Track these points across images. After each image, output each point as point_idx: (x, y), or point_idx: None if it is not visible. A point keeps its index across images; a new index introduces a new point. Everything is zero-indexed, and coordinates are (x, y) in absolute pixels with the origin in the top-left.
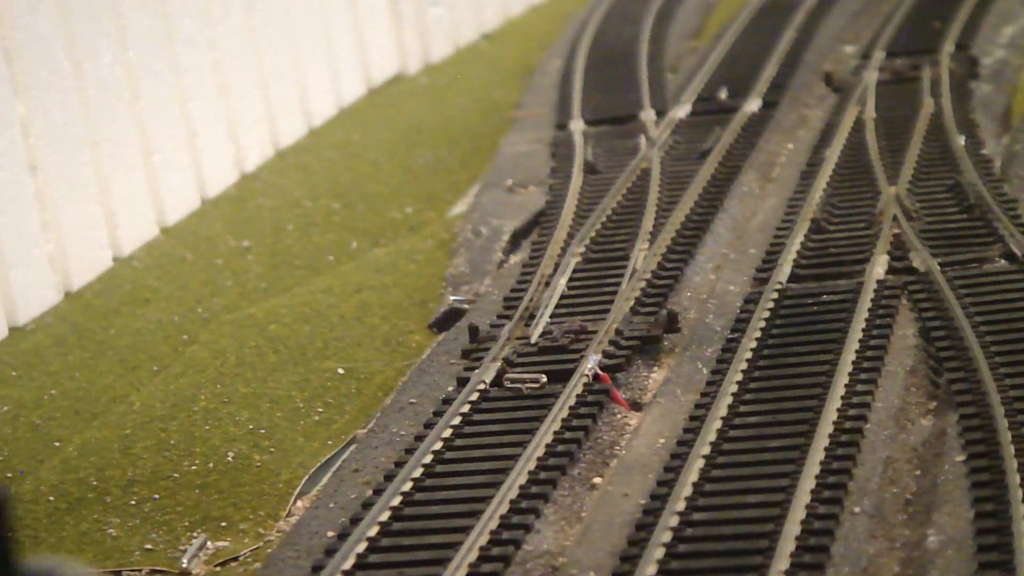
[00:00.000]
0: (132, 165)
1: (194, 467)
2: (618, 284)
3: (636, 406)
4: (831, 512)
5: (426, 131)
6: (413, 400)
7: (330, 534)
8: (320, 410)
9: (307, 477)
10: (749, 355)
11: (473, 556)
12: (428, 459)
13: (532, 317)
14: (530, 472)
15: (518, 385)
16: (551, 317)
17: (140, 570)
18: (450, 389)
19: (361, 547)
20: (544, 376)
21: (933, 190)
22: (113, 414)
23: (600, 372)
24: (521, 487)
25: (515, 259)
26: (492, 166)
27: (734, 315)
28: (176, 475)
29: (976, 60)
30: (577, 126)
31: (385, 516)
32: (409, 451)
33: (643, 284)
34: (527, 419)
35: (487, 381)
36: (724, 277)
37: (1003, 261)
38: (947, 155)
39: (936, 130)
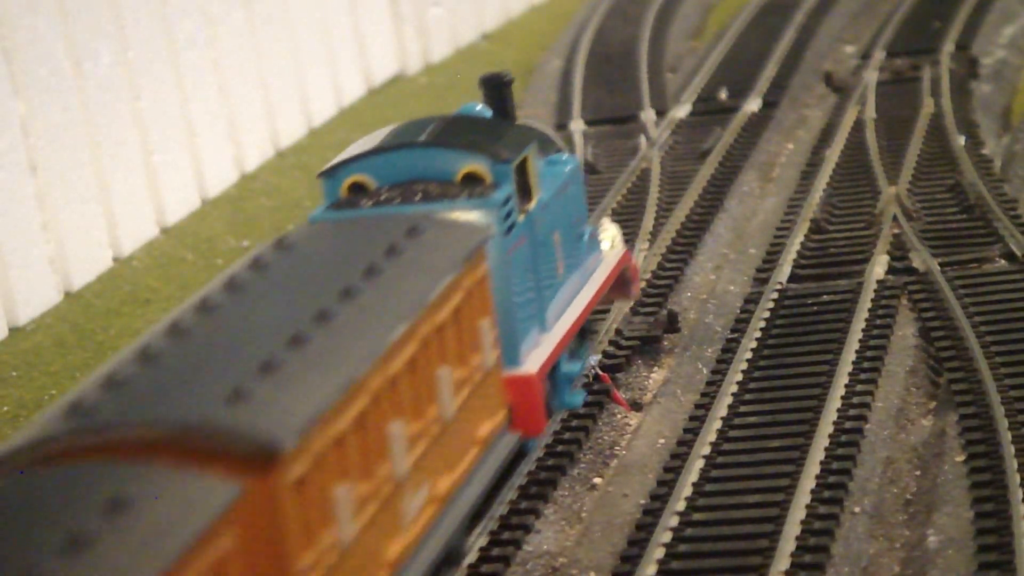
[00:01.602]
0: (132, 165)
1: None
2: None
3: (636, 406)
4: (831, 512)
5: None
6: None
7: None
8: None
9: None
10: (749, 355)
11: (473, 556)
12: None
13: None
14: (530, 472)
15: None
16: None
17: None
18: None
19: None
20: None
21: (933, 190)
22: None
23: (600, 372)
24: (521, 487)
25: None
26: None
27: (734, 315)
28: None
29: (976, 60)
30: (577, 126)
31: None
32: None
33: (643, 284)
34: None
35: None
36: (724, 277)
37: (1003, 261)
38: (947, 155)
39: (936, 130)
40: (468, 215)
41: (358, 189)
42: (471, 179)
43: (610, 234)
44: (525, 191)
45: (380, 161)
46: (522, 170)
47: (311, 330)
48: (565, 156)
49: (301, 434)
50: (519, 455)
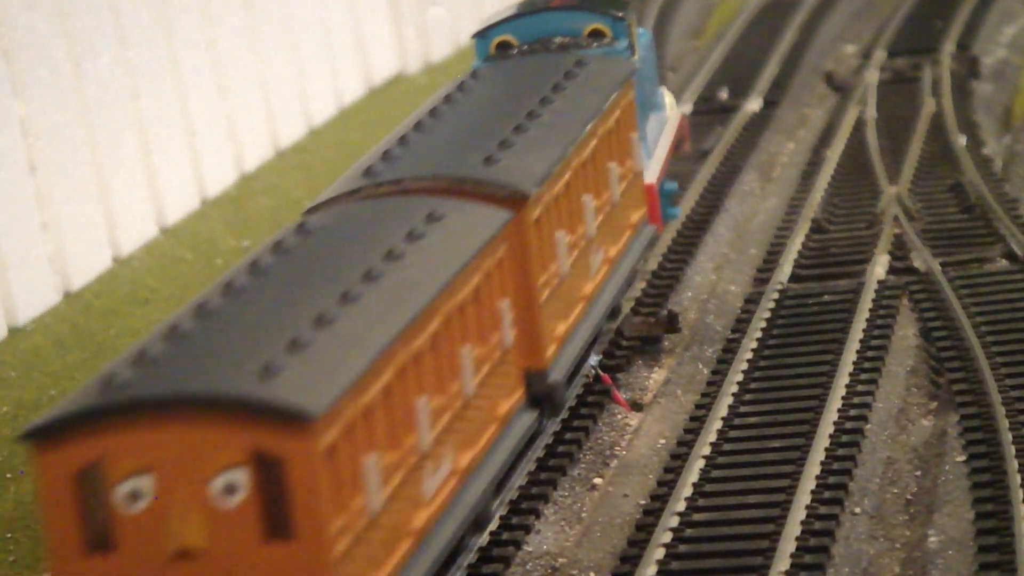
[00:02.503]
0: (132, 165)
1: None
2: None
3: (636, 406)
4: (831, 512)
5: None
6: None
7: None
8: None
9: None
10: (749, 355)
11: (473, 556)
12: None
13: None
14: (530, 472)
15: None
16: None
17: None
18: None
19: None
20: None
21: (934, 190)
22: None
23: (600, 372)
24: (521, 487)
25: None
26: None
27: (735, 315)
28: None
29: (977, 60)
30: None
31: None
32: None
33: (643, 284)
34: None
35: None
36: (725, 277)
37: (1004, 261)
38: (948, 155)
39: (937, 130)
40: (617, 55)
41: (504, 46)
42: (595, 34)
43: (668, 99)
44: (631, 46)
45: (521, 23)
46: (630, 29)
47: (525, 123)
48: (641, 29)
49: (538, 186)
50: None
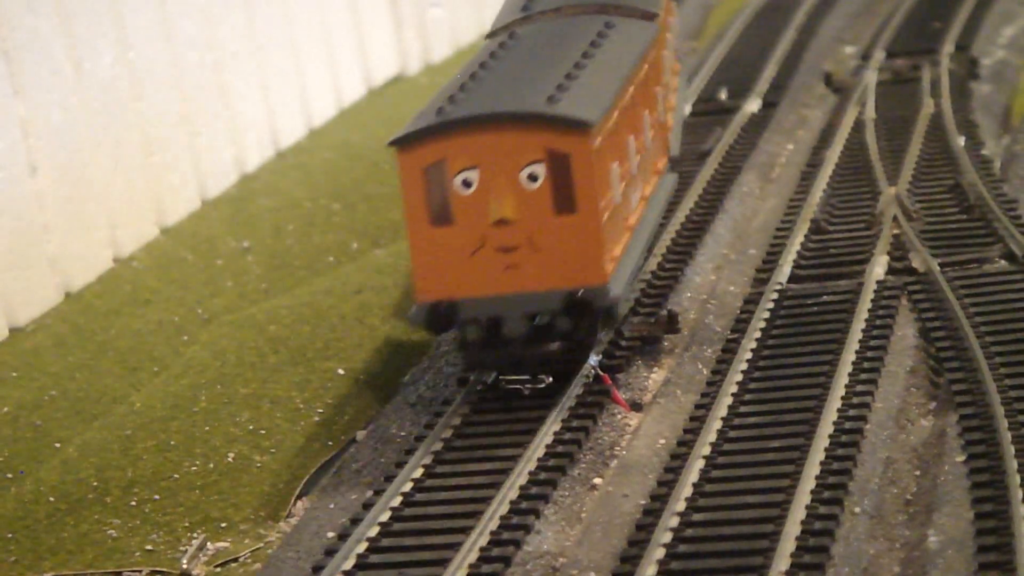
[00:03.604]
0: (132, 165)
1: (194, 468)
2: None
3: (636, 406)
4: (831, 512)
5: None
6: (413, 401)
7: (330, 535)
8: (320, 411)
9: (308, 478)
10: (749, 355)
11: (473, 556)
12: (428, 460)
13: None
14: (530, 472)
15: (517, 386)
16: None
17: (140, 570)
18: (451, 390)
19: (361, 547)
20: (550, 376)
21: (933, 190)
22: (113, 415)
23: (600, 372)
24: (521, 487)
25: None
26: None
27: (734, 315)
28: (176, 476)
29: (976, 60)
30: None
31: (385, 516)
32: (409, 451)
33: (643, 284)
34: (528, 419)
35: (487, 382)
36: (724, 277)
37: (1003, 261)
38: (947, 155)
39: (936, 130)
40: None
41: None
42: None
43: None
44: None
45: None
46: None
47: None
48: None
49: (661, 9)
50: None
